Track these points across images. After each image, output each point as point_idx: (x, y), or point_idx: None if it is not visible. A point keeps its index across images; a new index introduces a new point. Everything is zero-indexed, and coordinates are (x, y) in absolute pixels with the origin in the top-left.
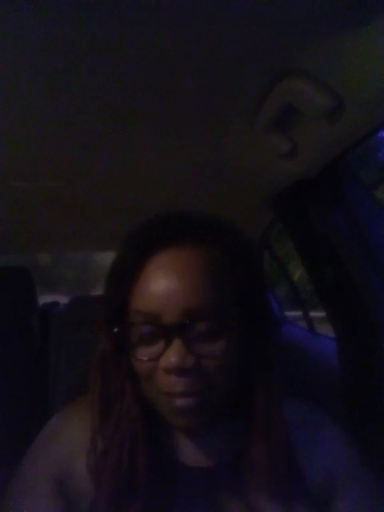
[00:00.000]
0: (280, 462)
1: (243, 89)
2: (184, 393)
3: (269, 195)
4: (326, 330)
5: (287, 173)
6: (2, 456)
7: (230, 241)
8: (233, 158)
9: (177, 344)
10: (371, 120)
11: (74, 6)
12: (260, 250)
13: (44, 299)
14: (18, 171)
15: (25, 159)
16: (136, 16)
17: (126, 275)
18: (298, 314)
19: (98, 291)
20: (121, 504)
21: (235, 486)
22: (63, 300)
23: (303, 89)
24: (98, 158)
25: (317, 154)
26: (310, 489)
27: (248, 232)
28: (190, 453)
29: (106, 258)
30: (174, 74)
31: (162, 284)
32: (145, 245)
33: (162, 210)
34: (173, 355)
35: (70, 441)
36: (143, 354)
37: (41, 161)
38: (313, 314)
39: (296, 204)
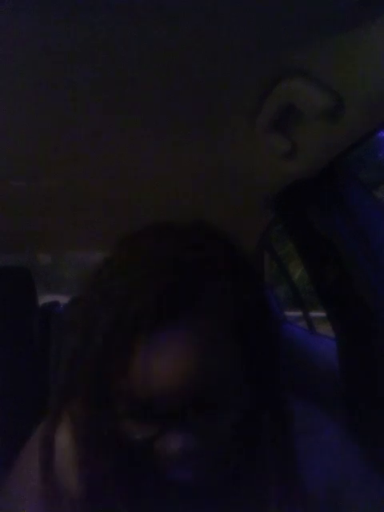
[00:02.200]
0: (276, 481)
1: (243, 89)
2: (183, 466)
3: (269, 195)
4: (325, 330)
5: (287, 173)
6: (2, 455)
7: (232, 305)
8: (233, 157)
9: (175, 434)
10: (371, 120)
11: (73, 6)
12: (260, 250)
13: (44, 299)
14: (18, 171)
15: (25, 159)
16: (135, 15)
17: (112, 357)
18: (298, 314)
19: None
20: None
21: (225, 501)
22: (63, 300)
23: (303, 89)
24: (98, 158)
25: (317, 154)
26: (310, 499)
27: (248, 232)
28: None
29: None
30: (173, 74)
31: (159, 369)
32: (135, 316)
33: (162, 211)
34: (172, 441)
35: (58, 450)
36: (133, 430)
37: (41, 161)
38: (313, 314)
39: (296, 204)
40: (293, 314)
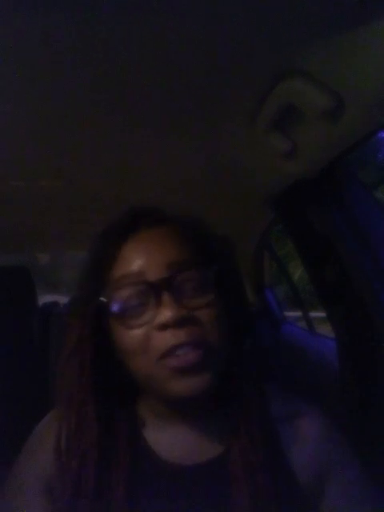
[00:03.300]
0: (264, 461)
1: (243, 89)
2: (185, 343)
3: (269, 195)
4: (325, 330)
5: (287, 173)
6: (2, 455)
7: (190, 221)
8: (233, 158)
9: (167, 298)
10: (371, 120)
11: (73, 6)
12: (260, 250)
13: (44, 299)
14: (18, 171)
15: (25, 159)
16: (136, 16)
17: (105, 257)
18: (297, 314)
19: None
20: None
21: (221, 484)
22: (63, 300)
23: (303, 89)
24: (98, 158)
25: (317, 154)
26: (299, 483)
27: (248, 232)
28: (175, 450)
29: None
30: (173, 74)
31: (142, 249)
32: (120, 230)
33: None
34: (166, 309)
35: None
36: (134, 322)
37: (41, 161)
38: (313, 314)
39: (296, 204)
40: (293, 314)
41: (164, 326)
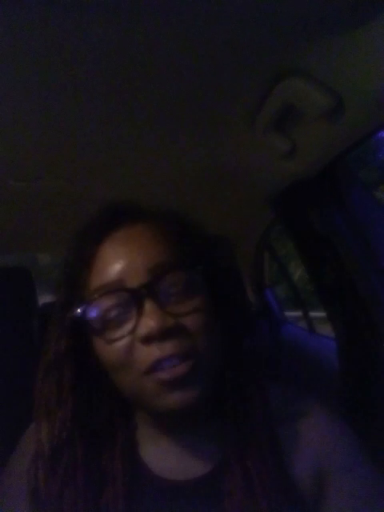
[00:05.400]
0: (262, 468)
1: (243, 89)
2: (171, 356)
3: (269, 195)
4: (325, 330)
5: (287, 173)
6: (2, 456)
7: (173, 217)
8: (233, 158)
9: (150, 306)
10: (371, 120)
11: (74, 6)
12: (260, 250)
13: (44, 299)
14: (18, 171)
15: (25, 159)
16: (136, 16)
17: (80, 261)
18: (297, 314)
19: None
20: None
21: (215, 498)
22: None
23: (303, 89)
24: (98, 158)
25: (317, 154)
26: (299, 489)
27: (248, 232)
28: (167, 465)
29: None
30: (174, 75)
31: (120, 253)
32: (96, 230)
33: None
34: (149, 319)
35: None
36: (115, 334)
37: (41, 161)
38: (313, 313)
39: (296, 204)
40: (293, 313)
41: (148, 338)
